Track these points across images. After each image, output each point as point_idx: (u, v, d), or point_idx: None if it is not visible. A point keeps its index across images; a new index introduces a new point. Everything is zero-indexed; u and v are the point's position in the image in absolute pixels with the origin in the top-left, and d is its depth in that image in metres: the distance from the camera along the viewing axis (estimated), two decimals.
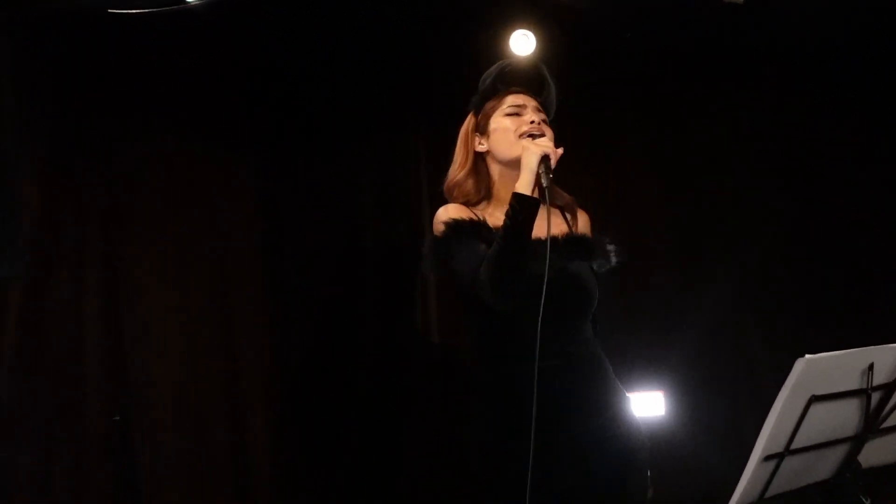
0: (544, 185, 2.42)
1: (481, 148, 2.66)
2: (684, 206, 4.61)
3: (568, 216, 2.73)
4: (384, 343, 4.61)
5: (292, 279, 4.59)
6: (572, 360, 2.48)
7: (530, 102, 2.69)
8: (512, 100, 2.67)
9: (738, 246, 4.57)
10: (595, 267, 2.67)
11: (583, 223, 2.75)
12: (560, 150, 2.47)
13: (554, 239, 2.56)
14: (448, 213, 2.59)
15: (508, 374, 2.46)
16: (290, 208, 4.65)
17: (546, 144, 2.47)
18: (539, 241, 2.48)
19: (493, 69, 2.74)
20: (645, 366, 4.34)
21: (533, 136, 2.58)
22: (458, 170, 2.68)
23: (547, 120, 2.70)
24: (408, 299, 4.61)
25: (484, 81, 2.72)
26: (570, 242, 2.64)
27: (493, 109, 2.67)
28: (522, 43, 4.37)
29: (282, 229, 4.62)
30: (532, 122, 2.62)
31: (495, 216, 2.61)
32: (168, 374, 4.27)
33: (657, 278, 4.49)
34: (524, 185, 2.43)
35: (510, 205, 2.41)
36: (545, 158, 2.45)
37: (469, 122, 2.73)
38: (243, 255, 4.54)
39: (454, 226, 2.55)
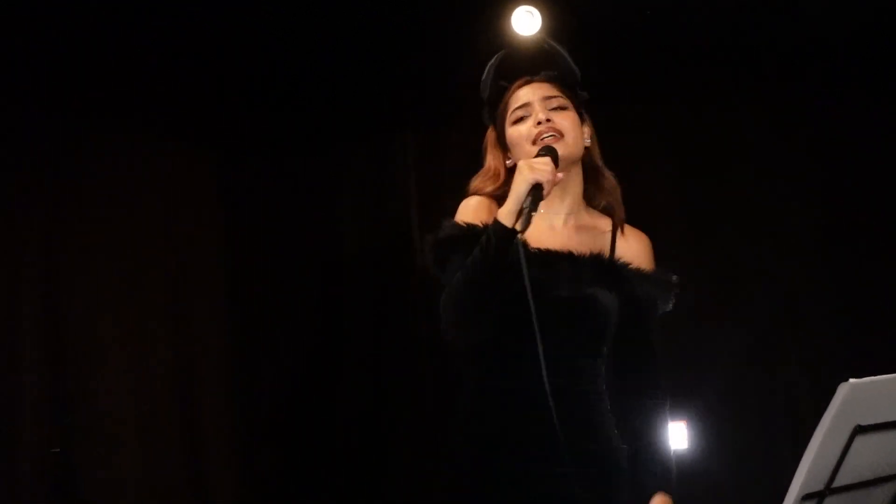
0: (525, 218, 2.23)
1: (511, 164, 2.49)
2: (708, 212, 4.44)
3: (618, 232, 2.50)
4: (368, 365, 4.56)
5: (260, 294, 4.55)
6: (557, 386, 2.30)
7: (536, 94, 2.46)
8: (515, 101, 2.46)
9: (770, 255, 4.44)
10: (644, 301, 2.45)
11: (635, 247, 2.50)
12: (560, 176, 2.30)
13: (591, 256, 2.40)
14: (464, 212, 2.44)
15: (493, 394, 2.34)
16: (258, 213, 4.59)
17: (542, 169, 2.27)
18: (539, 252, 2.37)
19: (489, 66, 2.53)
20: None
21: (553, 156, 2.34)
22: (484, 181, 2.50)
23: (564, 102, 2.47)
24: (396, 313, 4.53)
25: (483, 85, 2.52)
26: (595, 266, 2.41)
27: (504, 118, 2.48)
28: (527, 22, 4.16)
29: (248, 237, 4.57)
30: (540, 123, 2.40)
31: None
32: (117, 401, 4.16)
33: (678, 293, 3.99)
34: (506, 212, 2.25)
35: (486, 233, 2.26)
36: (536, 188, 2.26)
37: (489, 136, 2.54)
38: (203, 266, 4.48)
39: (459, 232, 2.38)
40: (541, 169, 2.27)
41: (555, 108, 2.46)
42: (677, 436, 4.26)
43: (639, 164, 4.35)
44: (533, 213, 2.22)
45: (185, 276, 4.42)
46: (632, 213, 2.53)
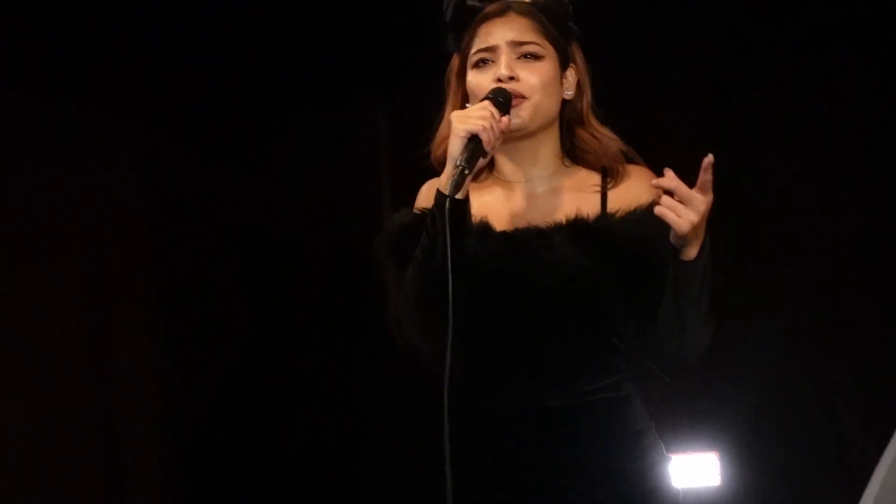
0: (455, 178, 2.10)
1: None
2: (740, 204, 4.09)
3: (610, 181, 2.31)
4: (328, 372, 4.42)
5: (194, 291, 4.39)
6: (552, 404, 2.19)
7: (505, 35, 2.28)
8: (479, 39, 2.29)
9: (811, 252, 4.21)
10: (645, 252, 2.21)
11: (635, 187, 2.30)
12: (505, 120, 2.15)
13: (571, 225, 2.23)
14: (423, 196, 2.33)
15: (470, 415, 2.18)
16: (192, 193, 4.41)
17: (476, 116, 2.13)
18: (506, 235, 2.23)
19: None
20: (694, 419, 4.14)
21: (497, 101, 2.19)
22: (445, 127, 2.36)
23: (538, 49, 2.28)
24: (361, 312, 4.39)
25: (446, 2, 2.36)
26: (577, 234, 2.23)
27: (467, 53, 2.32)
28: None
29: (181, 222, 4.40)
30: (500, 81, 2.23)
31: (486, 201, 2.31)
32: (17, 424, 3.96)
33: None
34: (444, 178, 2.13)
35: (431, 209, 2.16)
36: (472, 141, 2.12)
37: (453, 65, 2.39)
38: (126, 262, 4.29)
39: (413, 220, 2.26)
40: (475, 117, 2.13)
41: (525, 57, 2.28)
42: (708, 470, 4.19)
43: (658, 142, 3.95)
44: (467, 172, 2.08)
45: (104, 267, 4.27)
46: None
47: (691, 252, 2.06)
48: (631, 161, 2.32)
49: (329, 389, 4.45)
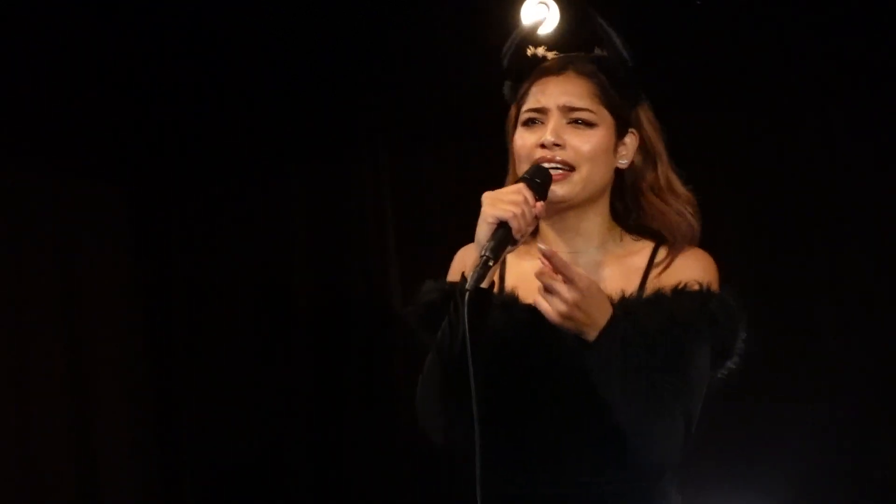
0: (478, 270, 1.98)
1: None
2: (774, 228, 4.12)
3: (658, 260, 2.22)
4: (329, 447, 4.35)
5: (192, 360, 4.39)
6: (573, 491, 2.10)
7: (557, 99, 2.19)
8: (530, 100, 2.20)
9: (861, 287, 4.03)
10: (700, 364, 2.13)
11: (684, 271, 2.19)
12: (539, 206, 2.04)
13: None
14: (455, 264, 2.27)
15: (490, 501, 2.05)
16: (182, 255, 4.44)
17: (507, 201, 2.02)
18: (528, 308, 2.09)
19: (517, 31, 2.32)
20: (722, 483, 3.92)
21: (533, 182, 2.10)
22: (511, 179, 2.31)
23: (592, 117, 2.19)
24: (367, 382, 4.34)
25: (506, 50, 2.30)
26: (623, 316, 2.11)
27: (518, 109, 2.25)
28: (538, 14, 3.76)
29: (169, 284, 4.43)
30: (544, 147, 2.14)
31: (524, 270, 2.19)
32: None
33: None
34: (472, 264, 2.03)
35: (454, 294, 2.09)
36: (501, 228, 2.01)
37: (511, 115, 2.32)
38: (109, 323, 4.27)
39: (441, 294, 2.19)
40: (506, 202, 2.05)
41: (577, 122, 2.20)
42: None
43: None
44: (491, 264, 2.00)
45: (83, 344, 4.24)
46: None
47: (589, 335, 2.03)
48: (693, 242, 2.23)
49: (325, 455, 4.38)
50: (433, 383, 2.11)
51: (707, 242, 2.28)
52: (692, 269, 2.19)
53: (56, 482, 4.13)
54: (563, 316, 1.96)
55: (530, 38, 2.28)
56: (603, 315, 2.00)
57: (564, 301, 1.96)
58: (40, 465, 4.08)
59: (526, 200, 2.02)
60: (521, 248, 2.20)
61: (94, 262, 4.29)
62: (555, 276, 2.01)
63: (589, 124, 2.17)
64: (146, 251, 4.46)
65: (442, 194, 4.24)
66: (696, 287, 2.12)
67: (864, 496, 4.03)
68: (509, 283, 2.18)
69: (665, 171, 2.21)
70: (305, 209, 4.47)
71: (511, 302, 2.11)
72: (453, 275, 2.23)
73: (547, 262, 1.97)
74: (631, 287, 2.18)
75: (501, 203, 2.03)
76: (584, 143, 2.15)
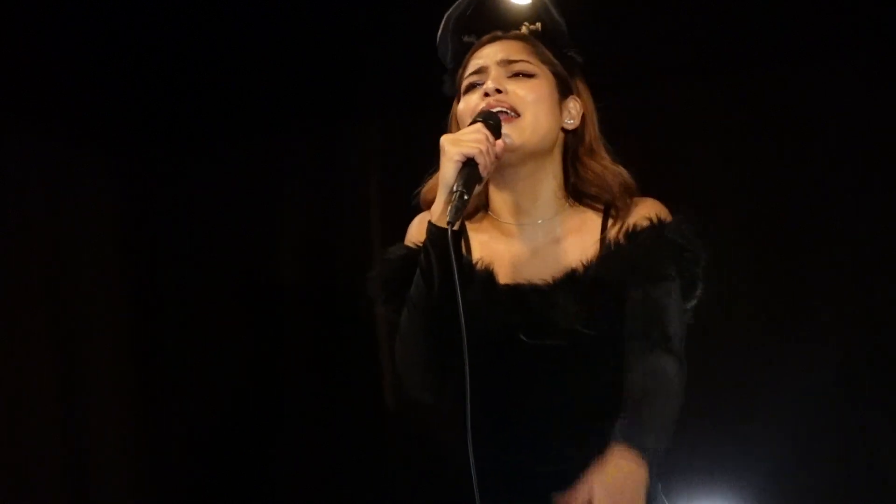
0: (454, 205, 2.00)
1: None
2: (782, 226, 3.98)
3: (611, 221, 2.23)
4: (313, 419, 4.27)
5: (171, 328, 4.34)
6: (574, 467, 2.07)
7: (495, 55, 2.24)
8: (468, 68, 2.25)
9: (857, 272, 3.92)
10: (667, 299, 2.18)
11: (634, 219, 2.22)
12: (499, 143, 2.07)
13: (570, 278, 2.15)
14: (413, 232, 2.25)
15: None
16: (171, 223, 4.37)
17: (469, 139, 2.05)
18: (510, 288, 2.14)
19: (447, 16, 2.32)
20: (713, 476, 3.85)
21: (487, 122, 2.10)
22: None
23: (531, 67, 2.23)
24: (350, 352, 4.23)
25: (441, 42, 2.33)
26: (594, 284, 2.15)
27: (459, 85, 2.28)
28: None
29: (155, 255, 4.36)
30: (487, 95, 2.17)
31: (483, 241, 2.24)
32: None
33: (737, 343, 3.95)
34: (438, 208, 2.05)
35: (423, 244, 2.07)
36: (468, 164, 2.03)
37: (453, 110, 2.34)
38: (96, 301, 4.20)
39: (407, 255, 2.19)
40: (468, 140, 2.07)
41: (516, 75, 2.23)
42: None
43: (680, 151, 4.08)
44: (466, 198, 2.03)
45: (73, 302, 4.17)
46: None
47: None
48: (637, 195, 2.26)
49: (316, 436, 4.31)
50: (415, 339, 2.09)
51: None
52: (644, 212, 2.19)
53: (43, 480, 4.09)
54: None
55: (461, 24, 2.27)
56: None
57: None
58: (25, 464, 4.03)
59: (487, 138, 2.03)
60: (472, 224, 2.26)
61: (80, 253, 4.23)
62: None
63: (528, 75, 2.19)
64: (133, 234, 4.40)
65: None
66: (647, 223, 2.13)
67: (863, 496, 3.97)
68: (476, 254, 2.18)
69: (598, 139, 2.23)
70: (294, 188, 4.42)
71: (488, 280, 2.10)
72: (408, 238, 2.23)
73: None
74: (593, 255, 2.19)
75: (464, 142, 2.03)
76: (527, 91, 2.16)
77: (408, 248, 2.19)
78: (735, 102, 4.11)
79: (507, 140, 2.10)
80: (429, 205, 2.20)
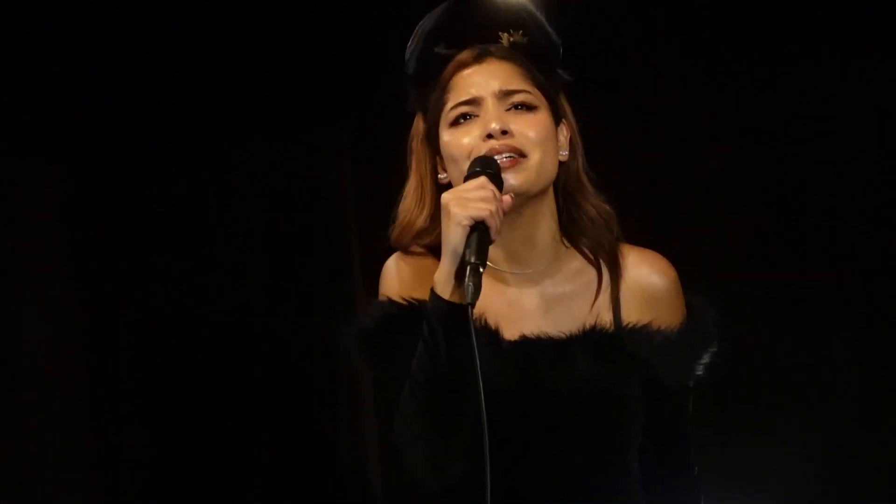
0: (472, 281, 1.87)
1: (444, 179, 2.14)
2: (785, 250, 3.87)
3: (604, 272, 2.13)
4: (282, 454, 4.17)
5: (128, 346, 4.22)
6: None
7: (490, 84, 2.06)
8: (455, 94, 2.07)
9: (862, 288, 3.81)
10: (665, 380, 2.10)
11: (646, 279, 2.15)
12: (507, 199, 1.95)
13: (587, 334, 2.08)
14: (388, 284, 2.12)
15: None
16: (129, 233, 4.26)
17: (476, 199, 1.91)
18: (516, 344, 2.05)
19: (420, 26, 2.16)
20: None
21: (489, 174, 1.96)
22: (411, 207, 2.16)
23: (532, 99, 2.06)
24: (324, 383, 4.17)
25: (409, 54, 2.15)
26: (592, 344, 2.07)
27: (439, 110, 2.09)
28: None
29: (105, 280, 4.23)
30: (491, 137, 2.01)
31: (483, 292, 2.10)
32: None
33: (749, 373, 3.76)
34: (444, 279, 1.91)
35: (425, 316, 1.95)
36: (477, 230, 1.90)
37: (417, 129, 2.17)
38: (45, 339, 4.11)
39: (386, 316, 2.08)
40: (475, 200, 1.95)
41: (517, 108, 2.11)
42: None
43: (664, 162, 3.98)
44: (482, 270, 1.93)
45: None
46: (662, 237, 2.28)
47: None
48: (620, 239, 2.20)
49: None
50: (417, 422, 2.00)
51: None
52: (661, 281, 2.15)
53: None
54: None
55: (435, 34, 2.12)
56: None
57: None
58: None
59: (495, 195, 1.92)
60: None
61: (29, 249, 4.12)
62: None
63: (529, 107, 2.08)
64: (87, 232, 4.26)
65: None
66: (672, 325, 2.08)
67: (864, 496, 3.85)
68: (477, 313, 2.05)
69: (583, 169, 2.15)
70: (263, 190, 4.31)
71: (494, 336, 2.02)
72: (389, 289, 2.13)
73: None
74: (606, 312, 2.13)
75: (471, 202, 1.92)
76: (530, 128, 2.05)
77: (396, 304, 2.07)
78: (729, 108, 3.95)
79: (511, 192, 1.99)
80: (405, 248, 2.12)
